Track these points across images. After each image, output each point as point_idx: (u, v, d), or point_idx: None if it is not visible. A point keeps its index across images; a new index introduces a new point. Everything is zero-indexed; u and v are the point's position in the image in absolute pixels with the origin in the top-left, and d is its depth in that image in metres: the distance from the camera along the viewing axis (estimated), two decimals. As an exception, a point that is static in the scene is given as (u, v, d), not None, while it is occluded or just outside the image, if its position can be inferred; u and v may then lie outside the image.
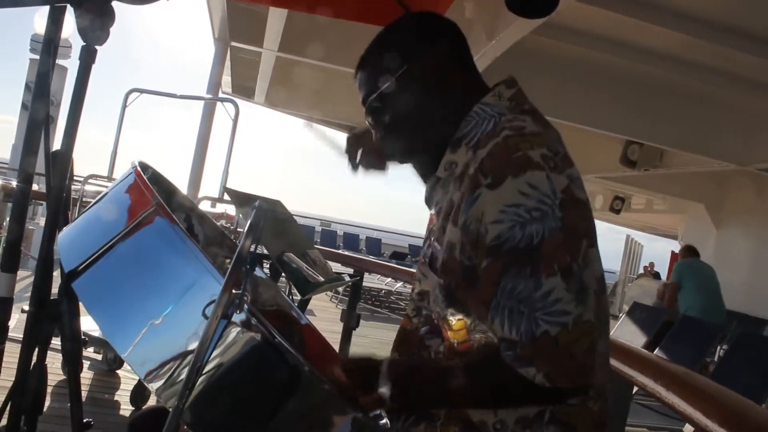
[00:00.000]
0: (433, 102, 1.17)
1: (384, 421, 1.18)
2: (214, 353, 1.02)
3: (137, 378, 3.56)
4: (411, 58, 1.16)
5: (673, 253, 16.99)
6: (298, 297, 2.37)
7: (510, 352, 0.99)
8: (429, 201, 1.21)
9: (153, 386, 1.07)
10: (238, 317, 1.03)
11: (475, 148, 1.08)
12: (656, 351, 6.87)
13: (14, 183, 1.71)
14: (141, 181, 1.23)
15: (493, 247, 0.99)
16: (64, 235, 1.35)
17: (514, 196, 0.98)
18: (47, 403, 2.04)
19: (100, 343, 3.67)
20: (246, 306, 1.02)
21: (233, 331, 1.03)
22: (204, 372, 1.02)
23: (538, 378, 0.97)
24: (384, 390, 1.07)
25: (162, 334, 1.09)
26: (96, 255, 1.18)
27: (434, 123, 1.17)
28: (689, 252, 7.95)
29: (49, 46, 1.44)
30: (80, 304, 1.39)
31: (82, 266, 1.19)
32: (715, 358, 7.26)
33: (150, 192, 1.19)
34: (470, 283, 1.04)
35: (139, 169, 1.28)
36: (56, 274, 1.45)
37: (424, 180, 1.25)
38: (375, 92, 1.18)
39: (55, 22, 1.45)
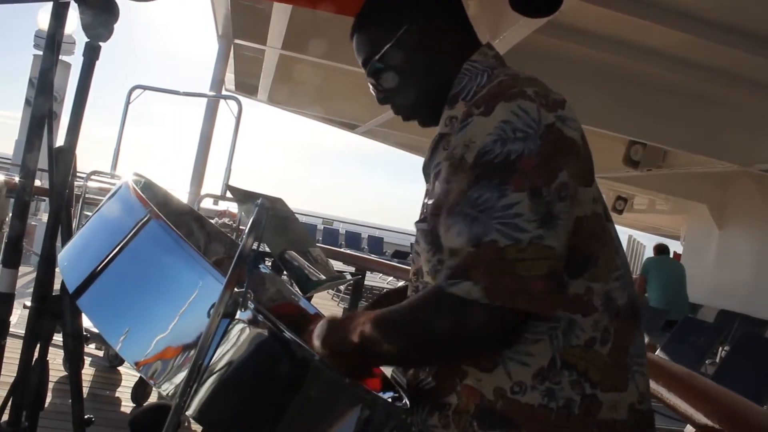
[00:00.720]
0: (431, 60, 1.21)
1: (404, 401, 1.18)
2: (223, 351, 1.03)
3: (138, 375, 3.56)
4: (409, 18, 1.21)
5: (675, 253, 16.99)
6: (300, 294, 2.37)
7: (449, 270, 0.98)
8: (427, 167, 1.22)
9: (160, 387, 1.08)
10: (244, 315, 1.03)
11: (472, 100, 1.10)
12: (657, 352, 6.86)
13: (17, 179, 1.71)
14: (133, 191, 1.24)
15: (473, 160, 1.01)
16: (63, 255, 1.36)
17: (505, 115, 1.01)
18: (48, 399, 2.05)
19: (101, 340, 3.68)
20: (250, 303, 1.03)
21: (240, 329, 1.04)
22: (215, 370, 1.03)
23: (473, 292, 0.95)
24: (317, 344, 1.12)
25: (170, 339, 1.09)
26: (96, 270, 1.19)
27: (433, 79, 1.21)
28: (658, 250, 9.20)
29: (52, 42, 1.44)
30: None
31: (84, 284, 1.19)
32: (717, 359, 7.25)
33: (143, 201, 1.20)
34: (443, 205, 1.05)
35: (131, 180, 1.29)
36: (58, 270, 1.45)
37: (426, 125, 1.29)
38: (376, 54, 1.22)
39: (59, 18, 1.45)
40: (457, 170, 1.03)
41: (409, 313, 1.07)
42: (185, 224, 1.66)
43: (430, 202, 1.12)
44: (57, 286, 1.57)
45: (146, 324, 1.12)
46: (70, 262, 1.31)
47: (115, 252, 1.18)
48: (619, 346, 1.08)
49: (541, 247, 0.96)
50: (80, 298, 1.18)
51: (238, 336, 1.04)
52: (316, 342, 1.13)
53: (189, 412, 1.02)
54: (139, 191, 1.23)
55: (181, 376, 1.03)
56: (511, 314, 0.97)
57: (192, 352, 1.02)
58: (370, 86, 1.27)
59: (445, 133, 1.16)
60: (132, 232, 1.17)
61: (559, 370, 1.04)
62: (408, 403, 1.17)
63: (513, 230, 0.95)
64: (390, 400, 1.21)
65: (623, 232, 19.41)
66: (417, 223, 1.16)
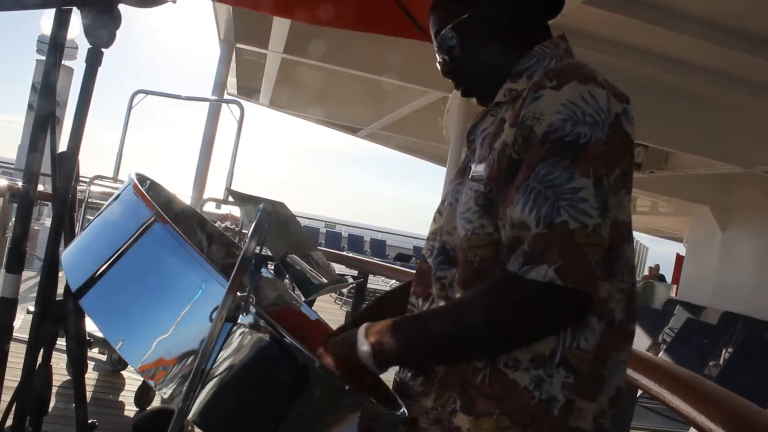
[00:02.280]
0: (504, 38, 1.21)
1: (402, 410, 1.18)
2: (224, 356, 1.03)
3: (142, 379, 3.56)
4: (486, 3, 1.20)
5: (678, 255, 16.97)
6: (302, 299, 2.37)
7: (521, 253, 0.98)
8: (472, 132, 1.23)
9: (162, 390, 1.08)
10: (246, 319, 1.03)
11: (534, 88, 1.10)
12: (661, 354, 6.85)
13: (20, 183, 1.72)
14: (138, 192, 1.24)
15: (543, 134, 1.01)
16: (67, 254, 1.36)
17: (575, 97, 1.01)
18: (52, 403, 2.05)
19: (104, 344, 3.68)
20: (252, 308, 1.03)
21: (242, 334, 1.04)
22: (216, 375, 1.03)
23: (549, 273, 0.95)
24: (365, 349, 1.06)
25: (172, 341, 1.09)
26: (100, 271, 1.19)
27: (502, 58, 1.20)
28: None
29: (55, 47, 1.44)
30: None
31: (88, 283, 1.19)
32: (720, 361, 7.23)
33: (148, 203, 1.20)
34: (510, 176, 1.04)
35: (136, 180, 1.29)
36: (61, 274, 1.45)
37: (484, 103, 1.27)
38: (450, 24, 1.21)
39: (61, 24, 1.46)
40: (528, 142, 1.03)
41: (476, 303, 1.05)
42: (188, 226, 1.66)
43: (480, 166, 1.12)
44: (60, 290, 1.57)
45: (148, 325, 1.12)
46: (74, 261, 1.31)
47: (119, 253, 1.18)
48: (601, 355, 1.07)
49: (600, 236, 0.98)
50: (82, 297, 1.18)
51: (240, 340, 1.04)
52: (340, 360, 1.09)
53: (189, 416, 1.02)
54: (144, 192, 1.23)
55: (183, 380, 1.03)
56: (581, 297, 0.98)
57: (194, 356, 1.02)
58: (438, 57, 1.27)
59: (501, 102, 1.17)
60: (137, 233, 1.17)
61: (556, 365, 1.04)
62: (406, 411, 1.17)
63: (581, 214, 0.97)
64: (388, 407, 1.21)
65: (626, 235, 19.37)
66: (470, 180, 1.14)
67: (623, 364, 1.12)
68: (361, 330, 1.09)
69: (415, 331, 1.09)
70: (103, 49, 1.44)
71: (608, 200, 1.00)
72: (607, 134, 1.00)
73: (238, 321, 1.03)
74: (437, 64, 1.28)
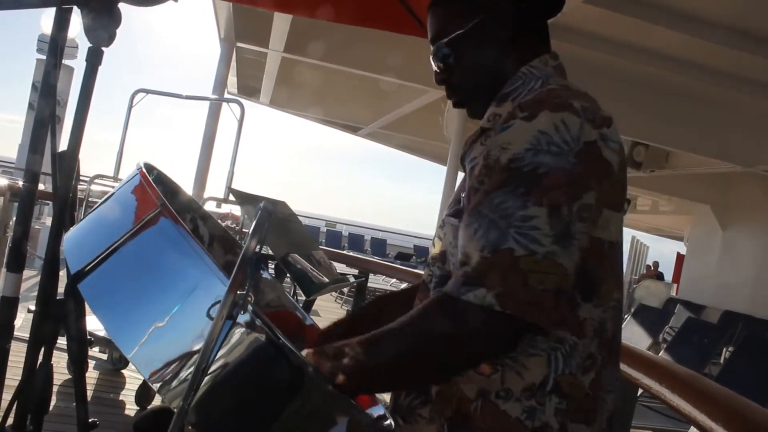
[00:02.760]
0: (497, 54, 1.20)
1: (388, 422, 1.18)
2: (219, 354, 1.03)
3: (142, 378, 3.57)
4: (485, 10, 1.19)
5: (678, 254, 16.96)
6: (302, 297, 2.37)
7: (462, 278, 0.97)
8: (463, 159, 1.22)
9: (158, 386, 1.08)
10: (242, 318, 1.03)
11: (518, 102, 1.09)
12: (661, 353, 6.85)
13: (20, 183, 1.72)
14: (146, 182, 1.24)
15: (504, 163, 1.01)
16: (69, 237, 1.36)
17: (547, 126, 1.00)
18: (53, 402, 2.05)
19: (105, 343, 3.69)
20: (250, 307, 1.03)
21: (237, 332, 1.04)
22: (209, 373, 1.02)
23: (488, 298, 0.94)
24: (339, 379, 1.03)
25: (167, 335, 1.09)
26: (101, 256, 1.18)
27: (494, 74, 1.19)
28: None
29: (55, 47, 1.44)
30: (86, 304, 1.39)
31: (88, 267, 1.19)
32: (721, 360, 7.23)
33: (155, 193, 1.19)
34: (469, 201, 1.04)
35: (144, 170, 1.28)
36: (62, 273, 1.45)
37: (474, 116, 1.27)
38: (445, 37, 1.20)
39: (61, 23, 1.46)
40: (490, 171, 1.03)
41: (412, 323, 1.03)
42: (192, 220, 1.66)
43: (464, 194, 1.11)
44: (61, 290, 1.57)
45: (145, 315, 1.12)
46: (75, 245, 1.31)
47: (121, 240, 1.17)
48: (598, 377, 1.07)
49: (554, 264, 0.96)
50: (81, 282, 1.18)
51: (235, 339, 1.03)
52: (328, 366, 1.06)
53: None
54: (151, 182, 1.23)
55: (179, 378, 1.03)
56: (516, 323, 0.96)
57: (191, 353, 1.02)
58: (433, 64, 1.26)
59: (487, 128, 1.15)
60: (141, 223, 1.17)
61: (548, 392, 1.03)
62: (393, 423, 1.17)
63: (529, 242, 0.95)
64: (376, 417, 1.21)
65: (626, 234, 19.38)
66: (448, 217, 1.15)
67: (617, 381, 1.12)
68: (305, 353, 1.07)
69: (356, 354, 1.05)
70: (103, 48, 1.44)
71: (571, 228, 0.98)
72: (573, 163, 0.98)
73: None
74: (433, 70, 1.27)
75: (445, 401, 1.08)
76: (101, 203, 1.37)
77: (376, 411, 1.29)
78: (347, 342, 1.07)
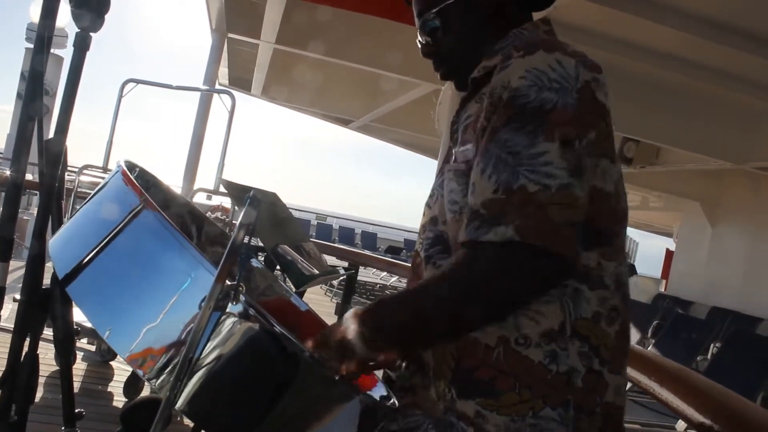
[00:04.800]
0: (487, 24, 1.20)
1: (392, 401, 1.18)
2: (213, 344, 1.02)
3: (131, 369, 3.55)
4: None
5: (667, 250, 17.04)
6: (292, 290, 2.36)
7: (476, 218, 0.97)
8: (456, 120, 1.22)
9: (149, 379, 1.07)
10: (235, 308, 1.03)
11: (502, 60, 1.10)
12: (650, 348, 6.89)
13: (8, 172, 1.70)
14: (127, 179, 1.23)
15: (508, 99, 1.00)
16: (54, 241, 1.35)
17: (541, 64, 1.00)
18: (40, 393, 2.04)
19: (93, 334, 3.66)
20: (242, 296, 1.02)
21: (231, 322, 1.03)
22: (204, 364, 1.02)
23: (508, 233, 0.93)
24: (352, 329, 1.03)
25: (159, 329, 1.08)
26: (88, 257, 1.18)
27: (484, 43, 1.20)
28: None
29: (42, 43, 1.43)
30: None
31: (75, 270, 1.18)
32: (708, 356, 7.28)
33: (137, 190, 1.19)
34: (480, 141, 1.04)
35: (125, 168, 1.27)
36: (49, 264, 1.44)
37: (463, 88, 1.26)
38: (433, 7, 1.20)
39: (49, 11, 1.44)
40: (494, 108, 1.02)
41: (443, 279, 1.03)
42: (178, 214, 1.65)
43: (462, 148, 1.11)
44: (48, 279, 1.56)
45: (136, 313, 1.11)
46: (61, 248, 1.30)
47: (107, 240, 1.17)
48: (623, 329, 1.07)
49: (569, 195, 0.95)
50: (70, 285, 1.17)
51: (229, 329, 1.03)
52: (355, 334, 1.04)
53: (177, 406, 1.01)
54: (133, 179, 1.22)
55: (171, 369, 1.02)
56: (547, 256, 0.95)
57: (182, 345, 1.02)
58: (418, 38, 1.26)
59: (477, 77, 1.16)
60: (125, 221, 1.16)
61: (568, 337, 1.02)
62: (396, 402, 1.17)
63: (542, 177, 0.95)
64: (379, 398, 1.21)
65: (616, 229, 19.43)
66: (446, 164, 1.14)
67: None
68: (349, 313, 1.07)
69: (391, 309, 1.07)
70: (91, 34, 1.43)
71: (583, 161, 0.98)
72: (577, 99, 1.00)
73: (228, 310, 1.02)
74: (417, 43, 1.26)
75: (440, 362, 1.07)
76: (84, 204, 1.36)
77: (378, 391, 1.28)
78: (382, 298, 1.11)
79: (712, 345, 7.56)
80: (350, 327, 1.04)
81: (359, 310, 1.06)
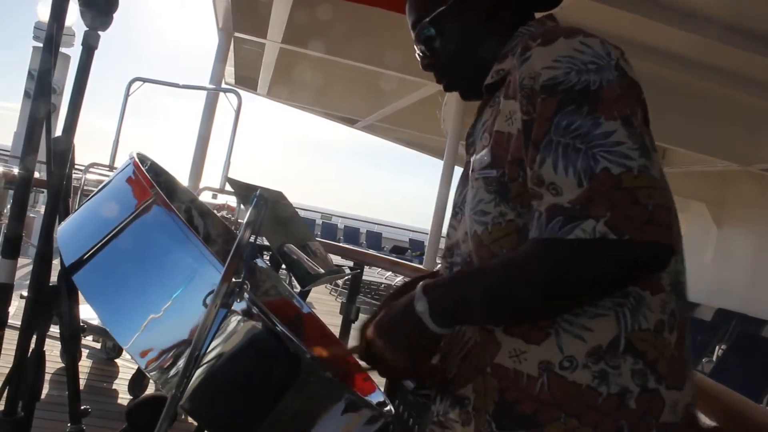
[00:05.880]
0: (485, 28, 1.14)
1: (388, 407, 1.18)
2: (216, 342, 1.02)
3: (136, 367, 3.56)
4: None
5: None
6: (297, 289, 2.37)
7: (559, 216, 0.85)
8: (472, 132, 1.16)
9: (154, 375, 1.07)
10: (239, 306, 1.03)
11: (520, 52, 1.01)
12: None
13: (16, 170, 1.71)
14: (139, 172, 1.23)
15: (547, 87, 0.91)
16: (63, 228, 1.35)
17: (567, 50, 0.92)
18: (46, 390, 2.04)
19: (99, 332, 3.68)
20: (246, 295, 1.02)
21: (234, 320, 1.03)
22: (206, 361, 1.02)
23: (598, 228, 0.82)
24: (422, 304, 0.95)
25: (163, 324, 1.09)
26: (96, 247, 1.18)
27: (484, 48, 1.14)
28: None
29: (51, 42, 1.43)
30: (79, 292, 1.39)
31: (82, 259, 1.18)
32: (714, 358, 7.26)
33: (148, 183, 1.19)
34: (527, 137, 0.93)
35: (137, 160, 1.27)
36: (56, 262, 1.44)
37: (468, 97, 1.20)
38: (427, 15, 1.14)
39: (58, 10, 1.44)
40: (532, 100, 0.93)
41: (510, 272, 0.93)
42: (186, 210, 1.65)
43: (481, 152, 1.03)
44: (54, 277, 1.57)
45: (141, 306, 1.11)
46: (69, 237, 1.30)
47: (115, 231, 1.17)
48: (682, 335, 0.96)
49: (651, 176, 0.86)
50: (76, 274, 1.17)
51: (232, 327, 1.03)
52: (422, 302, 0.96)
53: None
54: (144, 172, 1.22)
55: (176, 366, 1.03)
56: (644, 248, 0.84)
57: (187, 341, 1.02)
58: (417, 50, 1.20)
59: (490, 83, 1.09)
60: (134, 213, 1.16)
61: (621, 353, 0.91)
62: (393, 410, 1.16)
63: (621, 158, 0.85)
64: (376, 403, 1.21)
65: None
66: (479, 171, 1.02)
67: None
68: (419, 287, 0.98)
69: (467, 285, 0.97)
70: (99, 33, 1.43)
71: (645, 141, 0.88)
72: (618, 75, 0.91)
73: (232, 308, 1.02)
74: (416, 56, 1.21)
75: (482, 396, 0.99)
76: (94, 194, 1.36)
77: (376, 397, 1.29)
78: (455, 273, 1.05)
79: (717, 347, 7.54)
80: (419, 303, 0.96)
81: (430, 285, 0.98)
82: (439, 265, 1.18)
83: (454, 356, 1.05)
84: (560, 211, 0.86)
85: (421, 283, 1.00)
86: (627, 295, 0.93)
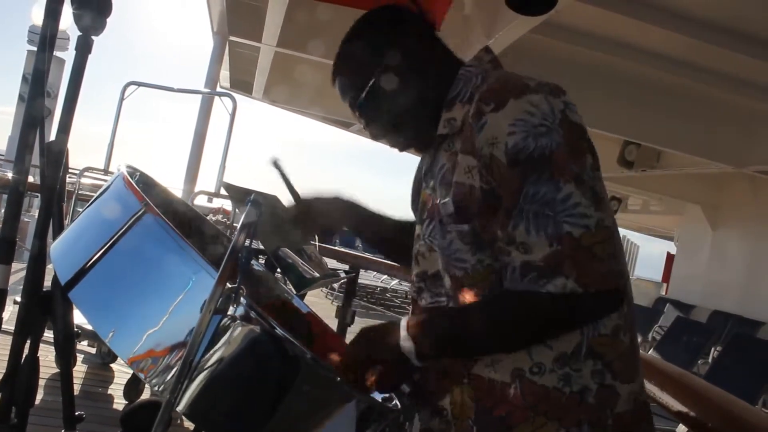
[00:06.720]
0: (419, 83, 1.19)
1: (394, 402, 1.18)
2: (215, 347, 1.02)
3: (131, 372, 3.55)
4: (388, 49, 1.19)
5: (668, 254, 17.04)
6: (293, 293, 2.36)
7: (534, 272, 1.00)
8: (428, 172, 1.20)
9: (150, 382, 1.07)
10: (237, 311, 1.03)
11: (470, 100, 1.10)
12: (651, 351, 6.88)
13: (10, 174, 1.70)
14: (128, 184, 1.23)
15: (511, 156, 1.02)
16: (56, 246, 1.35)
17: (519, 113, 1.02)
18: (40, 396, 2.03)
19: (93, 337, 3.66)
20: (243, 299, 1.02)
21: (232, 325, 1.03)
22: (206, 366, 1.02)
23: (569, 285, 0.98)
24: (406, 344, 1.08)
25: (161, 332, 1.08)
26: (90, 263, 1.18)
27: (424, 101, 1.19)
28: None
29: (45, 43, 1.43)
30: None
31: (77, 276, 1.18)
32: (709, 360, 7.27)
33: (138, 194, 1.19)
34: (492, 204, 1.05)
35: (125, 173, 1.28)
36: (50, 266, 1.44)
37: (426, 149, 1.25)
38: (360, 94, 1.20)
39: (52, 12, 1.44)
40: (493, 170, 1.04)
41: (490, 323, 1.08)
42: (179, 218, 1.65)
43: (445, 201, 1.11)
44: (48, 281, 1.56)
45: (138, 317, 1.11)
46: (62, 254, 1.30)
47: (108, 244, 1.17)
48: (634, 335, 1.11)
49: (603, 228, 1.00)
50: (72, 290, 1.17)
51: (230, 332, 1.03)
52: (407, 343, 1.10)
53: (179, 408, 1.01)
54: (134, 184, 1.22)
55: (172, 372, 1.02)
56: (606, 298, 1.01)
57: (183, 347, 1.02)
58: (363, 126, 1.26)
59: (444, 134, 1.14)
60: (126, 225, 1.16)
61: (583, 358, 1.05)
62: (399, 404, 1.17)
63: (580, 219, 0.99)
64: (381, 400, 1.21)
65: (617, 233, 19.41)
66: (452, 225, 1.12)
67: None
68: (403, 324, 1.10)
69: (443, 331, 1.11)
70: (93, 37, 1.43)
71: (596, 188, 1.02)
72: (563, 134, 1.02)
73: (230, 312, 1.02)
74: (369, 136, 1.27)
75: (459, 406, 1.11)
76: (85, 209, 1.36)
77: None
78: (432, 317, 1.15)
79: (713, 349, 7.56)
80: (405, 344, 1.09)
81: (412, 324, 1.10)
82: (415, 287, 1.22)
83: (433, 371, 1.15)
84: (534, 268, 1.00)
85: (404, 322, 1.11)
86: None
